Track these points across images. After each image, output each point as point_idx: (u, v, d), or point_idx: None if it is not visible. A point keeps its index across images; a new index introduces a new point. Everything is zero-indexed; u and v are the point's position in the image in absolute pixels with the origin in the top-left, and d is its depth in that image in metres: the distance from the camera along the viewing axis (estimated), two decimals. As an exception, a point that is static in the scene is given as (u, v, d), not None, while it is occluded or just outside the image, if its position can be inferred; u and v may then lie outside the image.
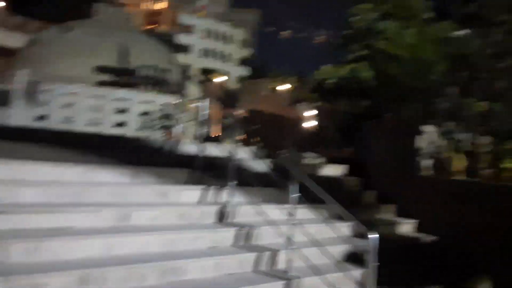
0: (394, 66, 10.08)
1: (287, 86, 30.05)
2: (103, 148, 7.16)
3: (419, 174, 8.67)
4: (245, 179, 6.56)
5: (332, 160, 9.62)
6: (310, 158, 9.39)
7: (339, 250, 6.15)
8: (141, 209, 5.43)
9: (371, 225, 4.98)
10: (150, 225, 5.29)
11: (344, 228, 6.78)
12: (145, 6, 40.94)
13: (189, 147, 8.04)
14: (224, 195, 6.39)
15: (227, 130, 15.26)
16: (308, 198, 5.47)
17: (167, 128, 13.98)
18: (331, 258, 5.52)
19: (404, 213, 8.38)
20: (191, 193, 6.34)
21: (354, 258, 5.99)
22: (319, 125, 20.64)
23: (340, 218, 6.39)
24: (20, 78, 12.83)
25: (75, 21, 21.04)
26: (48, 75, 17.95)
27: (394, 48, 10.03)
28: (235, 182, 6.28)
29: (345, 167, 9.59)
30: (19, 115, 12.48)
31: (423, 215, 8.17)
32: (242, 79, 15.88)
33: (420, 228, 8.11)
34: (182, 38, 14.63)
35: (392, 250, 5.45)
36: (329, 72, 11.04)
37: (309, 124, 21.56)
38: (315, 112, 24.04)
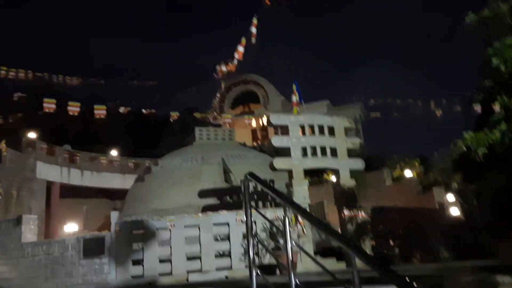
0: None
1: (410, 172, 26.01)
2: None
3: None
4: None
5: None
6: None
7: None
8: None
9: None
10: None
11: None
12: (250, 122, 41.78)
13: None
14: None
15: (354, 237, 12.15)
16: None
17: (278, 249, 11.44)
18: None
19: None
20: None
21: None
22: (466, 212, 16.31)
23: None
24: (114, 221, 11.74)
25: (177, 150, 21.09)
26: (150, 210, 17.30)
27: None
28: None
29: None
30: (113, 266, 11.10)
31: None
32: (357, 174, 13.15)
33: None
34: (277, 141, 12.74)
35: None
36: (480, 139, 7.78)
37: (452, 212, 17.27)
38: (451, 197, 19.65)
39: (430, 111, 29.36)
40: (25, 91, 22.11)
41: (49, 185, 26.25)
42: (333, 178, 27.11)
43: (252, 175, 3.52)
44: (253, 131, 46.63)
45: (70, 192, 27.64)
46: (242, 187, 3.60)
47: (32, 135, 25.59)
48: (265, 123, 46.86)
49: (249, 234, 4.11)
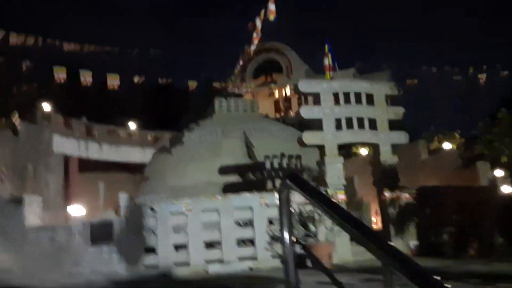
0: None
1: (449, 145, 23.89)
2: None
3: None
4: None
5: None
6: None
7: None
8: None
9: None
10: None
11: None
12: (273, 92, 39.91)
13: None
14: None
15: (396, 223, 10.57)
16: None
17: (308, 236, 9.96)
18: None
19: None
20: None
21: None
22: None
23: None
24: (124, 203, 10.44)
25: (196, 123, 19.63)
26: (168, 188, 16.02)
27: None
28: None
29: None
30: (123, 255, 9.86)
31: None
32: (398, 149, 11.41)
33: None
34: (306, 112, 11.04)
35: None
36: None
37: (504, 190, 15.35)
38: (500, 172, 17.70)
39: (470, 78, 26.91)
40: (34, 60, 20.88)
41: (67, 159, 25.35)
42: (362, 151, 25.32)
43: (293, 177, 1.89)
44: (276, 102, 44.77)
45: (89, 166, 26.73)
46: (279, 196, 2.00)
47: (46, 107, 24.52)
48: (288, 94, 45.00)
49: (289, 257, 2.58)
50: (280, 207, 1.83)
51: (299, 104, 41.99)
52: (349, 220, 1.84)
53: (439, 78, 31.02)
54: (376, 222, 18.44)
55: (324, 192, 9.97)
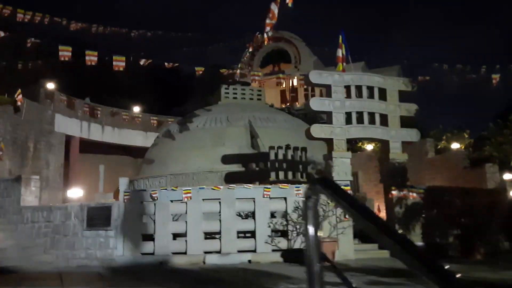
0: None
1: (457, 144, 23.44)
2: None
3: None
4: None
5: None
6: None
7: None
8: None
9: None
10: None
11: None
12: (281, 82, 39.36)
13: None
14: None
15: (402, 223, 10.24)
16: None
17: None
18: None
19: None
20: None
21: None
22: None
23: None
24: (123, 188, 10.13)
25: (201, 109, 19.25)
26: (169, 173, 15.72)
27: None
28: None
29: None
30: (120, 240, 9.59)
31: None
32: (404, 145, 11.00)
33: None
34: (316, 104, 10.65)
35: None
36: None
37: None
38: (509, 175, 17.29)
39: (483, 78, 26.33)
40: (40, 38, 20.46)
41: (68, 139, 25.10)
42: (368, 147, 24.92)
43: (325, 182, 1.53)
44: (282, 92, 44.30)
45: (90, 147, 26.49)
46: (305, 202, 1.65)
47: (50, 85, 24.16)
48: (295, 84, 44.53)
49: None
50: (307, 214, 1.48)
51: (306, 95, 41.55)
52: (393, 235, 1.50)
53: (451, 76, 30.37)
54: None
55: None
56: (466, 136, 23.09)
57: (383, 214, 20.85)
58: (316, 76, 10.62)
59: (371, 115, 10.79)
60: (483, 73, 27.62)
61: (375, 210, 17.43)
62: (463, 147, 23.00)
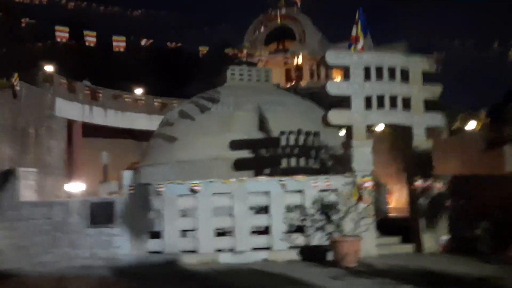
0: None
1: (474, 125, 22.55)
2: None
3: None
4: None
5: None
6: None
7: None
8: None
9: None
10: None
11: None
12: (288, 61, 38.28)
13: None
14: None
15: (427, 216, 9.51)
16: None
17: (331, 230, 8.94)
18: None
19: None
20: None
21: None
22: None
23: None
24: (127, 182, 9.43)
25: (206, 92, 18.37)
26: (175, 161, 14.99)
27: None
28: None
29: None
30: (125, 238, 8.95)
31: None
32: (434, 132, 10.23)
33: None
34: (333, 88, 9.79)
35: None
36: None
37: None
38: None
39: (497, 54, 25.24)
40: (37, 18, 19.48)
41: (70, 124, 24.38)
42: (377, 128, 24.03)
43: None
44: (287, 71, 43.18)
45: (94, 132, 25.79)
46: None
47: (49, 68, 23.27)
48: (300, 63, 43.25)
49: None
50: None
51: (311, 74, 40.46)
52: None
53: (462, 52, 29.26)
54: (389, 203, 17.44)
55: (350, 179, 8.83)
56: (483, 116, 22.16)
57: (393, 198, 20.18)
58: (333, 57, 9.74)
59: (393, 98, 9.95)
60: (496, 49, 26.51)
61: (387, 195, 16.79)
62: (479, 128, 22.07)
